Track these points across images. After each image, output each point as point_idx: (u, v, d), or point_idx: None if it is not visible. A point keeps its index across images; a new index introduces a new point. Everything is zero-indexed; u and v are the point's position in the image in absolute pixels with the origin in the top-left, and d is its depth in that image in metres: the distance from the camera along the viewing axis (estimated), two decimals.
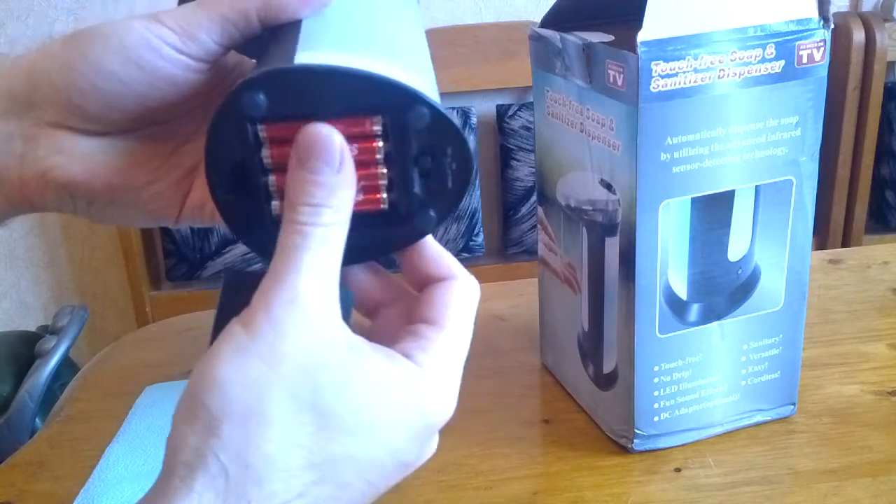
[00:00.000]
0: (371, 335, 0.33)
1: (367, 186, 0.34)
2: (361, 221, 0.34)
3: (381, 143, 0.33)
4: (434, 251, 0.36)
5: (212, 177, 0.35)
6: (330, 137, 0.31)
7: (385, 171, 0.34)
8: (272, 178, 0.34)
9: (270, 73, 0.32)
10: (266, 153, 0.33)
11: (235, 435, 0.29)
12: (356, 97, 0.32)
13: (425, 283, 0.36)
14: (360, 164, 0.33)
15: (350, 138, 0.33)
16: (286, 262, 0.31)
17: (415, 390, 0.32)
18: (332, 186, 0.32)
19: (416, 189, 0.35)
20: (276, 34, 0.36)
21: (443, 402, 0.33)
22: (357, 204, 0.34)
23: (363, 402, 0.31)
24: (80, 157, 0.38)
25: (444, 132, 0.34)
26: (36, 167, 0.37)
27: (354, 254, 0.34)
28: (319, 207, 0.31)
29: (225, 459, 0.29)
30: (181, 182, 0.40)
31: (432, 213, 0.36)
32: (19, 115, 0.37)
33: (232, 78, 0.40)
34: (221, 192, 0.35)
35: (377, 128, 0.33)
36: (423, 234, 0.36)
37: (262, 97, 0.32)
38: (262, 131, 0.33)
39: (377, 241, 0.36)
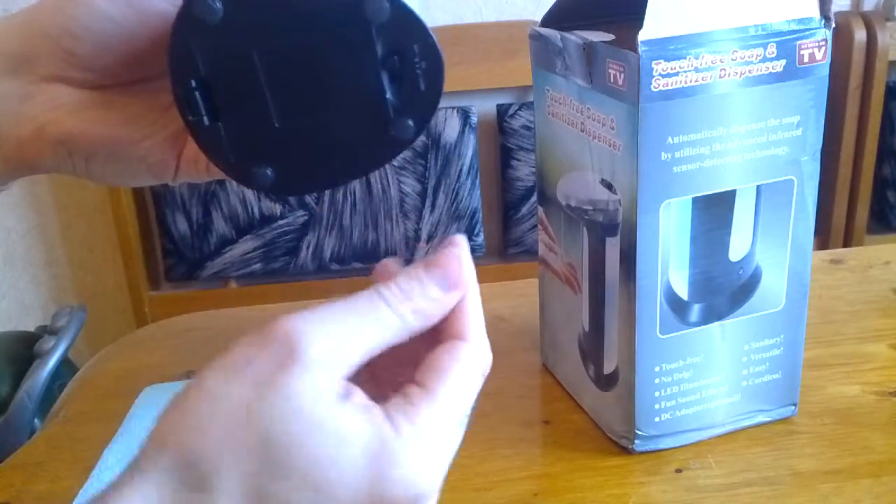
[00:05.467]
0: (378, 379, 0.33)
1: None
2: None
3: None
4: (462, 306, 0.34)
5: (178, 96, 0.34)
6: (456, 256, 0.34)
7: None
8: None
9: None
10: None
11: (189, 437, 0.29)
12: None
13: (440, 335, 0.34)
14: None
15: None
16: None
17: (381, 455, 0.30)
18: (440, 301, 0.33)
19: (389, 95, 0.34)
20: None
21: (416, 472, 0.31)
22: None
23: (314, 454, 0.29)
24: (75, 110, 0.39)
25: (407, 27, 0.33)
26: (32, 124, 0.38)
27: (335, 173, 0.34)
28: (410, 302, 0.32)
29: (175, 456, 0.29)
30: (177, 138, 0.41)
31: (410, 122, 0.34)
32: (14, 72, 0.38)
33: None
34: (189, 112, 0.34)
35: None
36: (403, 145, 0.35)
37: (217, 3, 0.32)
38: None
39: (357, 158, 0.35)
